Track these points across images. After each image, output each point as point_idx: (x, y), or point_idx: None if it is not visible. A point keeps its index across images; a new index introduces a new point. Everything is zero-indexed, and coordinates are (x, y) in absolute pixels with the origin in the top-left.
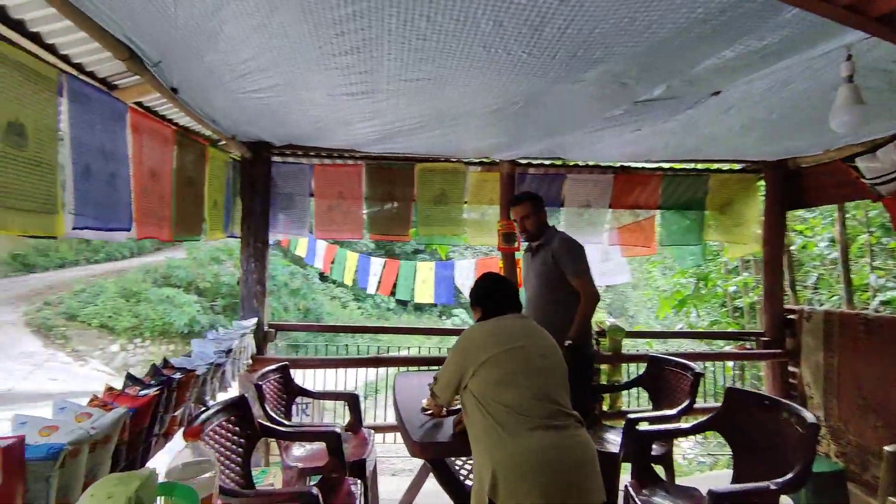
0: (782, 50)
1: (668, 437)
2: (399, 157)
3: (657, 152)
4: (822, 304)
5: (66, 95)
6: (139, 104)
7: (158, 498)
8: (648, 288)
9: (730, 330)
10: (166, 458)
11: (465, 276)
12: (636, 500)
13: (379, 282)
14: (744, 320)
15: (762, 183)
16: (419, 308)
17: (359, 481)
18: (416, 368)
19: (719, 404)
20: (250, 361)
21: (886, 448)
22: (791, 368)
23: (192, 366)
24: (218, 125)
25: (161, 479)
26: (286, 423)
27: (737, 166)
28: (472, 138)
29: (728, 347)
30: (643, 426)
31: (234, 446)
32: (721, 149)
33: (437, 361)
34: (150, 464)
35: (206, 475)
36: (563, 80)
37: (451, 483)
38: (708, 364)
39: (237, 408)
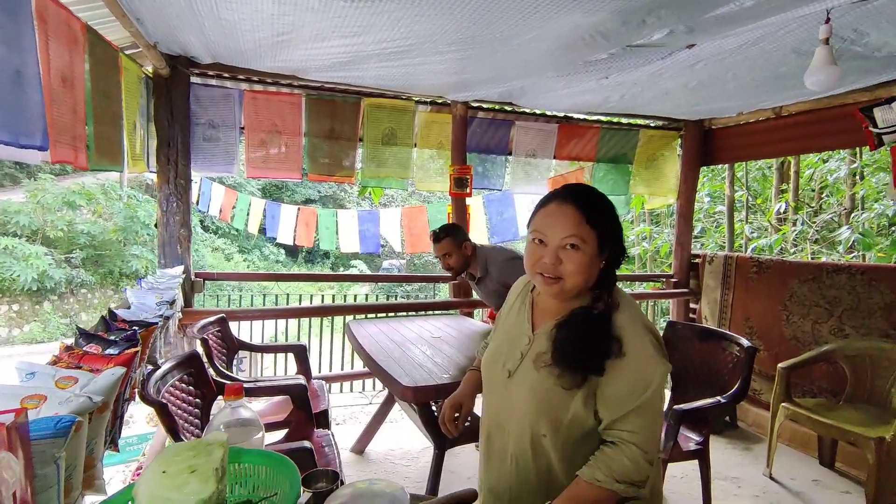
0: (773, 8)
1: None
2: (343, 89)
3: (609, 104)
4: (707, 248)
5: None
6: None
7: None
8: None
9: (645, 273)
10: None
11: (392, 226)
12: None
13: (294, 231)
14: (633, 266)
15: (678, 140)
16: (310, 260)
17: (329, 432)
18: (362, 316)
19: None
20: (180, 315)
21: (780, 365)
22: (692, 305)
23: (140, 318)
24: (142, 25)
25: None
26: (241, 378)
27: (660, 123)
28: (435, 72)
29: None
30: None
31: (191, 408)
32: (669, 105)
33: (388, 308)
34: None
35: (255, 436)
36: (587, 6)
37: (433, 423)
38: None
39: (191, 364)
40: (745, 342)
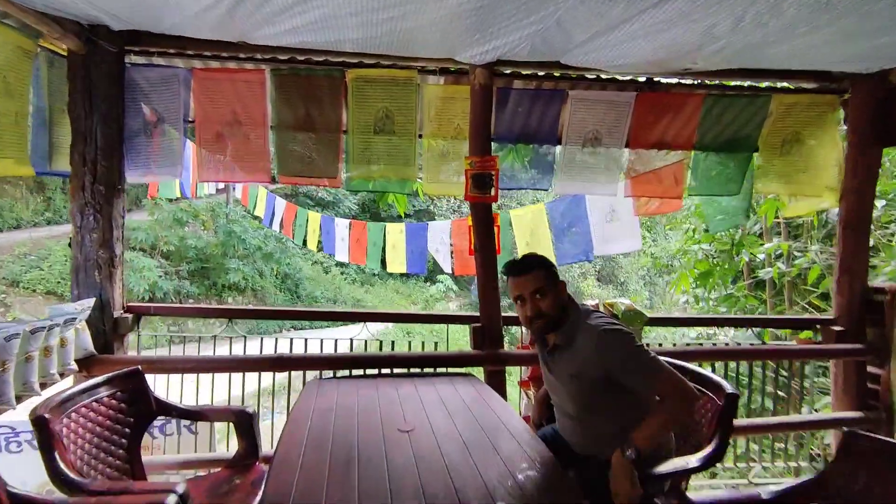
0: None
1: None
2: (321, 60)
3: (713, 45)
4: (878, 276)
5: None
6: None
7: None
8: (642, 253)
9: (783, 316)
10: None
11: (440, 241)
12: None
13: (348, 248)
14: (764, 294)
15: (839, 111)
16: (404, 272)
17: None
18: (344, 371)
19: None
20: (74, 368)
21: None
22: (871, 369)
23: None
24: None
25: None
26: (85, 485)
27: (804, 83)
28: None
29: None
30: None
31: None
32: (826, 41)
33: (369, 363)
34: None
35: None
36: None
37: None
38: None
39: None
40: None
